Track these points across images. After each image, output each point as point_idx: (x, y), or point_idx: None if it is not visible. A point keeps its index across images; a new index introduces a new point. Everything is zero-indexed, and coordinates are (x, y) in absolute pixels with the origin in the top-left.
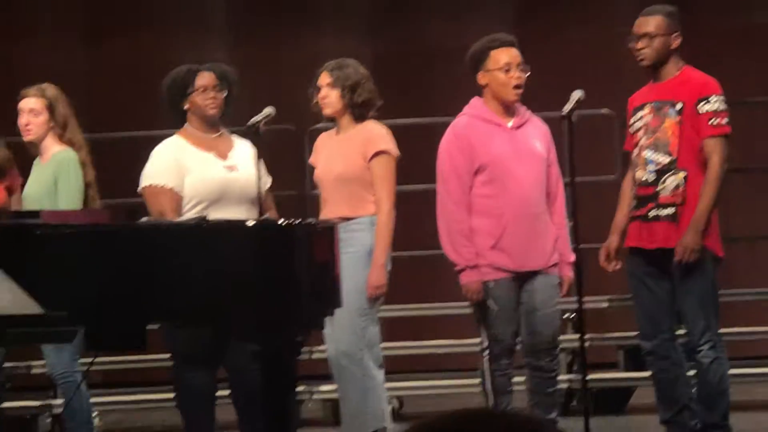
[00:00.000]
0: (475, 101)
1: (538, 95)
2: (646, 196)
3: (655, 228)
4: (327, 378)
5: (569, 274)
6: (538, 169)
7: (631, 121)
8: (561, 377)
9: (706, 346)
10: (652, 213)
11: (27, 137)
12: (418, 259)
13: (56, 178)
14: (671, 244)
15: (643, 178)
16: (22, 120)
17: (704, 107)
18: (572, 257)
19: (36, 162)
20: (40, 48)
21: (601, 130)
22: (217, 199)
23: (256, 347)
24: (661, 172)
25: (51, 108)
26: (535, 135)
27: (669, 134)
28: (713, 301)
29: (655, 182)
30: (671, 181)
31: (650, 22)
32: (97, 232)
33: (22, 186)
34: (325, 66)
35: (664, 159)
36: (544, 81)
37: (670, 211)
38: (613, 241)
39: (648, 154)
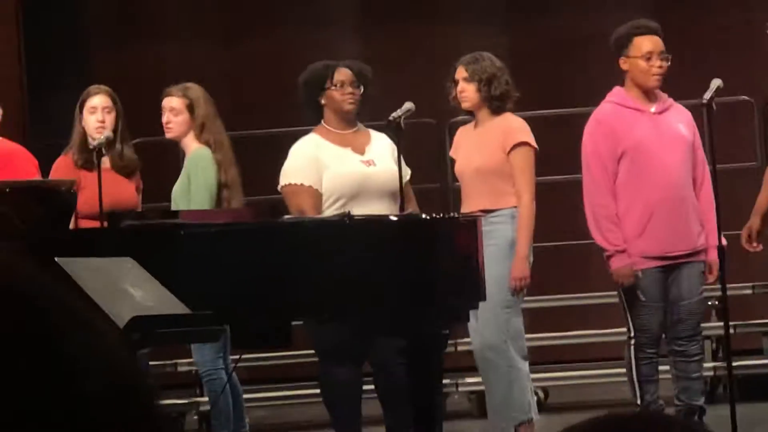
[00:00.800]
0: (617, 89)
1: (676, 83)
2: None
3: None
4: (472, 370)
5: (716, 258)
6: (684, 153)
7: None
8: (706, 365)
9: None
10: None
11: (168, 135)
12: (560, 249)
13: (189, 177)
14: None
15: None
16: (164, 118)
17: None
18: (722, 241)
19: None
20: (183, 48)
21: (741, 118)
22: (355, 194)
23: (400, 342)
24: None
25: (191, 107)
26: (679, 119)
27: None
28: None
29: None
30: None
31: None
32: (239, 231)
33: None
34: (461, 60)
35: None
36: (682, 69)
37: None
38: (754, 222)
39: None
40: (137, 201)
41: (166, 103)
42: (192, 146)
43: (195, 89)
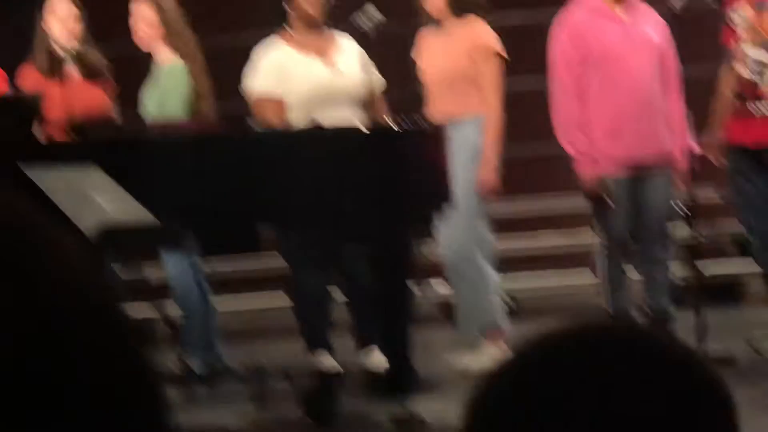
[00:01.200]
0: None
1: None
2: (748, 93)
3: (756, 123)
4: (441, 278)
5: (687, 165)
6: (653, 59)
7: (731, 15)
8: (674, 269)
9: None
10: (755, 110)
11: (138, 43)
12: (529, 155)
13: (164, 89)
14: None
15: (745, 76)
16: (134, 26)
17: None
18: (695, 147)
19: (152, 67)
20: None
21: (707, 23)
22: (321, 102)
23: (368, 249)
24: (763, 69)
25: (161, 15)
26: (649, 23)
27: None
28: None
29: (758, 79)
30: None
31: None
32: (208, 140)
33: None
34: None
35: (765, 57)
36: None
37: None
38: (717, 137)
39: (749, 50)
40: (109, 105)
41: (135, 11)
42: (163, 55)
43: None
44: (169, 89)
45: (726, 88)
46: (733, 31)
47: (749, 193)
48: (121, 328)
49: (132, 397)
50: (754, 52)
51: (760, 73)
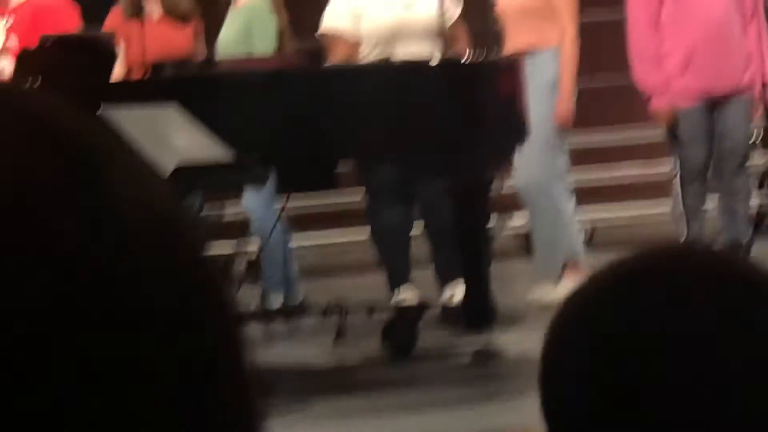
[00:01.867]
0: None
1: None
2: None
3: None
4: (519, 210)
5: (762, 95)
6: None
7: None
8: (753, 198)
9: None
10: None
11: None
12: (608, 86)
13: (251, 27)
14: None
15: None
16: None
17: None
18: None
19: (231, 7)
20: None
21: None
22: (395, 37)
23: (447, 182)
24: None
25: None
26: None
27: None
28: None
29: None
30: None
31: None
32: (281, 76)
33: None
34: None
35: None
36: None
37: None
38: None
39: None
40: (193, 48)
41: None
42: None
43: None
44: (258, 27)
45: None
46: None
47: None
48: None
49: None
50: None
51: None
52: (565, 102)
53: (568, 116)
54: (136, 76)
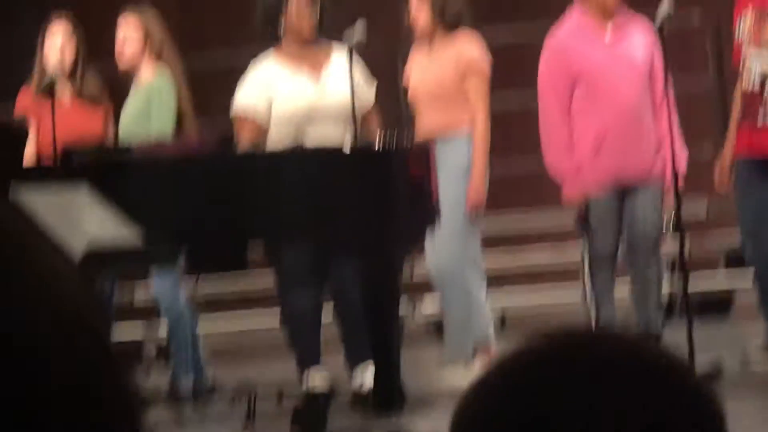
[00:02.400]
0: (575, 7)
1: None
2: (753, 103)
3: (763, 135)
4: (430, 293)
5: (680, 183)
6: (639, 77)
7: (737, 28)
8: (664, 284)
9: None
10: (760, 121)
11: (122, 61)
12: (520, 172)
13: (148, 106)
14: None
15: (749, 85)
16: (118, 44)
17: None
18: (683, 164)
19: (132, 88)
20: None
21: (693, 37)
22: (307, 119)
23: (358, 266)
24: (766, 77)
25: (147, 32)
26: (638, 39)
27: None
28: None
29: (761, 90)
30: None
31: None
32: (192, 161)
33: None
34: None
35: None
36: None
37: None
38: (726, 159)
39: (751, 62)
40: (104, 130)
41: (121, 27)
42: (148, 72)
43: (150, 13)
44: (157, 105)
45: (736, 104)
46: (740, 48)
47: (750, 201)
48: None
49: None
50: (756, 59)
51: (763, 82)
52: (477, 186)
53: (479, 200)
54: (47, 158)
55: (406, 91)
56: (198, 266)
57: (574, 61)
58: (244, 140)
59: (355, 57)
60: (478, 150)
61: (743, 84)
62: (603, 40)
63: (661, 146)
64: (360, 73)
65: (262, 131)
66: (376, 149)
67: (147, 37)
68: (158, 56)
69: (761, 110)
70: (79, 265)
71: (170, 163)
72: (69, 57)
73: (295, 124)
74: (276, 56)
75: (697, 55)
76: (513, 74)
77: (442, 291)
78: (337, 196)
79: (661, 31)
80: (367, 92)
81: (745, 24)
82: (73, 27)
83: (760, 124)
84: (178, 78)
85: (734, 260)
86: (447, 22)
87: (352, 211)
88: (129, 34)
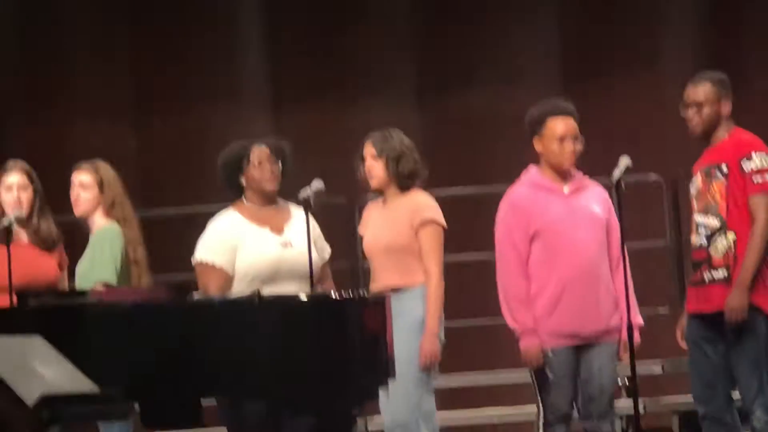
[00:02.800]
0: (532, 168)
1: (585, 159)
2: (700, 260)
3: (710, 291)
4: None
5: (636, 338)
6: (597, 233)
7: (690, 189)
8: None
9: (760, 411)
10: (706, 277)
11: (76, 211)
12: (474, 328)
13: (95, 251)
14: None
15: (697, 243)
16: (73, 193)
17: (747, 165)
18: (639, 320)
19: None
20: (88, 130)
21: (649, 195)
22: (271, 275)
23: (311, 421)
24: (712, 235)
25: (101, 184)
26: (594, 199)
27: (717, 197)
28: (766, 361)
29: (707, 246)
30: (721, 243)
31: (699, 91)
32: (148, 309)
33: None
34: (369, 137)
35: (714, 222)
36: (591, 146)
37: (722, 273)
38: (684, 318)
39: (699, 218)
40: (59, 275)
41: (75, 178)
42: (100, 223)
43: (104, 166)
44: (99, 254)
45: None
46: (691, 203)
47: (701, 363)
48: None
49: None
50: (703, 220)
51: (710, 241)
52: (430, 340)
53: (432, 356)
54: (1, 303)
55: (360, 245)
56: (151, 420)
57: (532, 215)
58: (212, 288)
59: (311, 215)
60: (431, 305)
61: (693, 242)
62: (561, 192)
63: (618, 303)
64: (317, 226)
65: (230, 280)
66: (333, 299)
67: (101, 188)
68: (111, 206)
69: (707, 268)
70: (31, 413)
71: (124, 310)
72: (26, 202)
73: (260, 278)
74: (238, 212)
75: (653, 215)
76: (470, 232)
77: None
78: (292, 348)
79: (618, 186)
80: (325, 245)
81: (693, 185)
82: (28, 175)
83: (707, 280)
84: (132, 229)
85: (688, 423)
86: (401, 179)
87: (307, 365)
88: (84, 183)
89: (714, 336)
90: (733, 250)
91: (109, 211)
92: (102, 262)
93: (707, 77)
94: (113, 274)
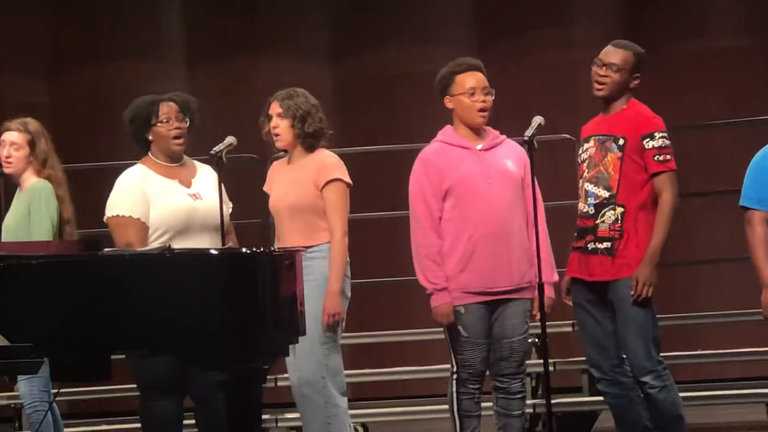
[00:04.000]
0: (446, 128)
1: (499, 120)
2: (586, 228)
3: (592, 261)
4: (292, 406)
5: (550, 294)
6: (511, 189)
7: (579, 151)
8: (526, 401)
9: (650, 377)
10: (590, 246)
11: (6, 170)
12: (386, 285)
13: (29, 208)
14: (607, 277)
15: (584, 210)
16: (3, 152)
17: (649, 143)
18: (554, 277)
19: (16, 194)
20: (3, 82)
21: (562, 155)
22: (182, 228)
23: (220, 376)
24: (600, 205)
25: (32, 143)
26: (508, 155)
27: (610, 168)
28: (653, 329)
29: (595, 215)
30: (609, 215)
31: (618, 54)
32: (59, 263)
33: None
34: (275, 96)
35: (604, 193)
36: (505, 106)
37: (607, 245)
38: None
39: (589, 187)
40: None
41: (6, 137)
42: (31, 180)
43: (34, 123)
44: (36, 211)
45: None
46: (579, 167)
47: (590, 326)
48: None
49: None
50: (593, 189)
51: (597, 211)
52: (331, 300)
53: (335, 314)
54: None
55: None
56: (61, 374)
57: (444, 172)
58: (133, 240)
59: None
60: (334, 262)
61: (580, 208)
62: (474, 149)
63: (532, 261)
64: (221, 185)
65: (147, 231)
66: (245, 253)
67: (32, 147)
68: (42, 165)
69: (592, 238)
70: None
71: (33, 264)
72: None
73: (172, 231)
74: (146, 166)
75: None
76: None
77: (301, 403)
78: (204, 302)
79: (531, 145)
80: (228, 203)
81: (585, 151)
82: None
83: (590, 249)
84: (62, 188)
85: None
86: (306, 138)
87: (217, 318)
88: (15, 142)
89: (598, 300)
90: (620, 223)
91: (40, 170)
92: (39, 221)
93: (630, 46)
94: (50, 234)
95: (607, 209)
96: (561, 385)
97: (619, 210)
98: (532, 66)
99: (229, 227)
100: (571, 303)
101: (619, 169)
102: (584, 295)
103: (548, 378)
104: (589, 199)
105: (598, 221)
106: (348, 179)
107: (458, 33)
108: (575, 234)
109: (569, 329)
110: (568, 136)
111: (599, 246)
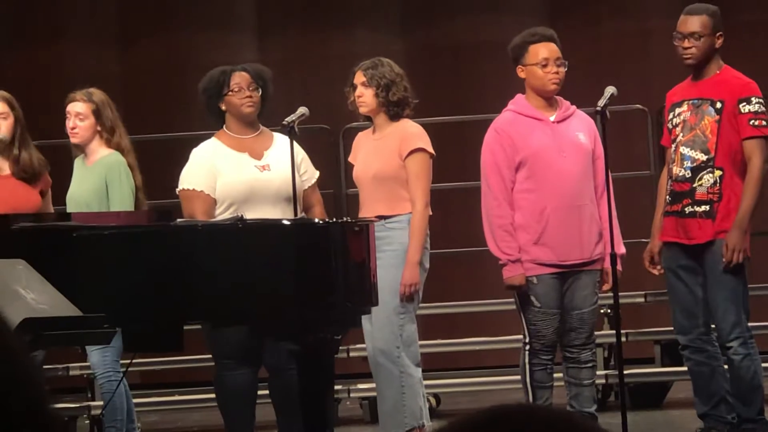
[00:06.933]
0: (518, 97)
1: (571, 90)
2: (682, 192)
3: (690, 224)
4: (365, 376)
5: (618, 267)
6: (582, 162)
7: (669, 116)
8: (598, 372)
9: (736, 343)
10: (688, 209)
11: (74, 140)
12: (459, 256)
13: (107, 182)
14: (707, 238)
15: (680, 174)
16: (69, 123)
17: (746, 107)
18: (622, 250)
19: (79, 164)
20: (74, 52)
21: (634, 126)
22: (247, 199)
23: (293, 346)
24: (698, 169)
25: (97, 112)
26: (580, 128)
27: (707, 132)
28: (744, 297)
29: (692, 179)
30: (708, 178)
31: (696, 22)
32: (132, 234)
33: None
34: (360, 65)
35: (701, 156)
36: (577, 76)
37: (705, 207)
38: (655, 245)
39: (685, 150)
40: (40, 206)
41: (71, 108)
42: (100, 151)
43: (99, 94)
44: (117, 185)
45: (663, 190)
46: (671, 131)
47: (680, 293)
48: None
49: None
50: (689, 152)
51: (695, 174)
52: (410, 270)
53: (413, 285)
54: None
55: (349, 172)
56: (134, 345)
57: (517, 143)
58: (198, 213)
59: (296, 141)
60: (414, 235)
61: (675, 172)
62: (548, 120)
63: (602, 233)
64: (302, 152)
65: (214, 205)
66: (314, 224)
67: (98, 116)
68: (110, 134)
69: (689, 201)
70: (16, 334)
71: (108, 234)
72: (6, 130)
73: (237, 202)
74: (219, 140)
75: (637, 145)
76: (455, 161)
77: (376, 372)
78: (275, 273)
79: (603, 115)
80: (311, 173)
81: (678, 116)
82: (9, 104)
83: (688, 212)
84: (131, 156)
85: (669, 353)
86: (390, 107)
87: (289, 288)
88: (80, 113)
89: (693, 266)
90: (718, 185)
91: (109, 139)
92: (121, 197)
93: (703, 9)
94: (131, 206)
95: (704, 172)
96: (633, 356)
97: (718, 173)
98: (604, 35)
99: (312, 197)
100: (656, 272)
101: (716, 131)
102: (678, 261)
103: (620, 349)
104: (685, 162)
105: (695, 185)
106: (431, 150)
107: (529, 2)
108: (668, 198)
109: (641, 300)
110: (640, 106)
111: (697, 209)
